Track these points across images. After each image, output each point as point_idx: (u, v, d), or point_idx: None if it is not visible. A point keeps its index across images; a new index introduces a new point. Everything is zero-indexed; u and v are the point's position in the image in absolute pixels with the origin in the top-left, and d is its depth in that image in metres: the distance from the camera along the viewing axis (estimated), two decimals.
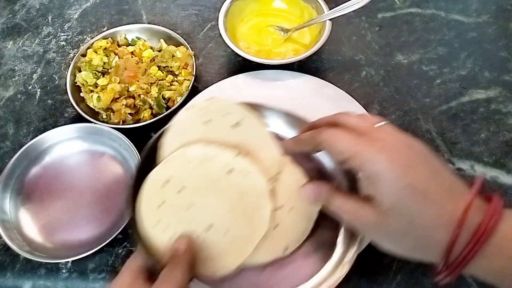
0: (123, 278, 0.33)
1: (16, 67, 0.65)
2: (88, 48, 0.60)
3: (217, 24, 0.59)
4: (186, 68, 0.59)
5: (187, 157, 0.37)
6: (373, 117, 0.33)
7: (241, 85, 0.58)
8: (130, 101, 0.56)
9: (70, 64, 0.59)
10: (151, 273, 0.34)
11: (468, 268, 0.28)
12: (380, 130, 0.31)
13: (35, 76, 0.64)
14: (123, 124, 0.55)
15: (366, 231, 0.32)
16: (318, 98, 0.56)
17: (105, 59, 0.59)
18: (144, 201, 0.37)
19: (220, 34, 0.58)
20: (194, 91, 0.58)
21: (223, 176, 0.37)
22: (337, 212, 0.33)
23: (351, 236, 0.39)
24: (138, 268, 0.34)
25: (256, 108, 0.39)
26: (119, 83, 0.56)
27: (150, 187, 0.37)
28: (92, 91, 0.57)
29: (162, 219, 0.36)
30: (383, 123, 0.32)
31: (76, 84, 0.58)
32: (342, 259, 0.39)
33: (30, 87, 0.62)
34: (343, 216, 0.33)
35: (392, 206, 0.29)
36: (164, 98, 0.57)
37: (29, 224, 0.49)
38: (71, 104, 0.55)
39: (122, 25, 0.63)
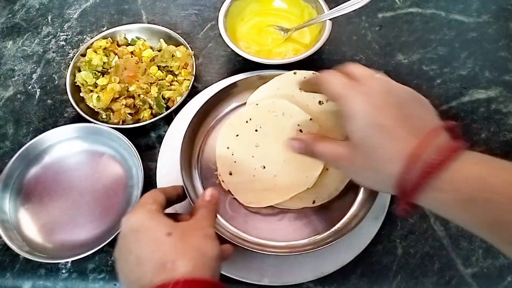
0: (142, 211, 0.35)
1: (15, 67, 0.65)
2: (88, 48, 0.60)
3: (217, 24, 0.59)
4: (186, 68, 0.59)
5: (273, 106, 0.46)
6: (378, 72, 0.36)
7: None
8: (130, 101, 0.56)
9: (70, 64, 0.59)
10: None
11: (420, 199, 0.30)
12: (373, 79, 0.34)
13: (34, 76, 0.64)
14: (123, 124, 0.55)
15: (341, 167, 0.36)
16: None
17: (105, 59, 0.58)
18: (226, 127, 0.48)
19: (220, 34, 0.58)
20: (194, 91, 0.57)
21: (292, 132, 0.45)
22: (321, 156, 0.37)
23: (366, 200, 0.46)
24: (157, 203, 0.37)
25: None
26: (118, 83, 0.56)
27: (236, 120, 0.48)
28: (91, 91, 0.57)
29: (231, 146, 0.47)
30: (381, 74, 0.36)
31: (76, 84, 0.58)
32: (356, 214, 0.45)
33: (29, 87, 0.62)
34: (325, 158, 0.38)
35: (360, 141, 0.32)
36: (164, 98, 0.57)
37: (29, 224, 0.49)
38: (71, 104, 0.55)
39: (122, 25, 0.63)
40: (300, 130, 0.45)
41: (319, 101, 0.46)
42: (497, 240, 0.28)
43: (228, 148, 0.48)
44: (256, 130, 0.47)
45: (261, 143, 0.47)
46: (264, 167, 0.46)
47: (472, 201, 0.28)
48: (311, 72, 0.47)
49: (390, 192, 0.32)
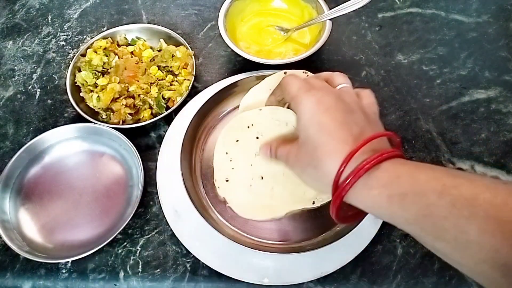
0: None
1: (15, 67, 0.65)
2: (88, 48, 0.60)
3: (217, 24, 0.59)
4: (186, 68, 0.59)
5: (276, 115, 0.43)
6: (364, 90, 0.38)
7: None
8: (130, 101, 0.56)
9: (70, 64, 0.59)
10: None
11: (352, 197, 0.32)
12: (339, 89, 0.37)
13: (34, 76, 0.64)
14: (123, 124, 0.55)
15: (290, 165, 0.37)
16: None
17: (105, 59, 0.59)
18: (227, 130, 0.45)
19: (220, 34, 0.58)
20: (194, 91, 0.58)
21: None
22: (279, 158, 0.39)
23: None
24: None
25: None
26: (119, 83, 0.56)
27: (237, 124, 0.45)
28: (92, 91, 0.57)
29: (230, 152, 0.44)
30: (344, 85, 0.38)
31: (76, 84, 0.58)
32: None
33: (30, 87, 0.62)
34: (282, 159, 0.38)
35: (305, 139, 0.34)
36: (164, 98, 0.57)
37: (29, 224, 0.49)
38: (71, 104, 0.55)
39: (122, 25, 0.63)
40: None
41: None
42: (421, 234, 0.29)
43: (226, 153, 0.45)
44: (257, 138, 0.44)
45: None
46: (262, 178, 0.44)
47: (402, 196, 0.29)
48: (301, 71, 0.47)
49: (328, 191, 0.33)
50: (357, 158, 0.31)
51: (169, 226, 0.48)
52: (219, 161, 0.46)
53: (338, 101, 0.34)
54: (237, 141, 0.45)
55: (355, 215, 0.36)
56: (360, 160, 0.31)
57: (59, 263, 0.48)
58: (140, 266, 0.47)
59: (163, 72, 0.59)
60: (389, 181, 0.30)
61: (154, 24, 0.65)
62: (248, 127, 0.45)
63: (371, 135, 0.32)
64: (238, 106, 0.50)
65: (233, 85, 0.52)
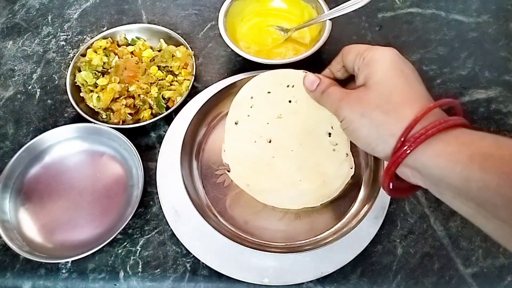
0: None
1: (15, 67, 0.65)
2: (88, 48, 0.60)
3: (217, 24, 0.59)
4: (186, 68, 0.59)
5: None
6: None
7: None
8: (130, 101, 0.56)
9: (70, 64, 0.59)
10: None
11: (417, 155, 0.29)
12: None
13: (34, 76, 0.64)
14: (123, 124, 0.55)
15: (345, 108, 0.34)
16: None
17: (105, 59, 0.59)
18: (264, 76, 0.43)
19: (220, 34, 0.58)
20: (194, 91, 0.57)
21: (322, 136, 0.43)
22: (328, 96, 0.37)
23: (366, 200, 0.45)
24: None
25: None
26: (119, 83, 0.56)
27: (277, 77, 0.43)
28: (92, 91, 0.57)
29: (256, 98, 0.43)
30: None
31: (76, 84, 0.58)
32: (356, 213, 0.45)
33: (30, 87, 0.62)
34: (331, 99, 0.37)
35: (378, 80, 0.33)
36: (164, 98, 0.57)
37: (29, 224, 0.49)
38: (71, 104, 0.55)
39: (122, 25, 0.63)
40: (329, 134, 0.44)
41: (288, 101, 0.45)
42: (496, 204, 0.25)
43: (252, 98, 0.43)
44: (290, 102, 0.43)
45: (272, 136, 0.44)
46: (270, 142, 0.43)
47: (486, 157, 0.26)
48: (301, 71, 0.46)
49: (382, 144, 0.32)
50: (436, 112, 0.30)
51: (169, 226, 0.48)
52: (239, 101, 0.44)
53: (408, 63, 0.35)
54: (268, 92, 0.43)
55: (407, 190, 0.34)
56: (440, 115, 0.30)
57: (59, 263, 0.48)
58: (140, 266, 0.47)
59: (163, 72, 0.59)
60: (470, 140, 0.28)
61: (154, 24, 0.65)
62: (288, 86, 0.42)
63: (446, 99, 0.32)
64: None
65: (233, 85, 0.52)
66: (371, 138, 0.33)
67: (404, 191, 0.35)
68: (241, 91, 0.45)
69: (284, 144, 0.43)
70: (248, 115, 0.43)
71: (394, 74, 0.32)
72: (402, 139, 0.30)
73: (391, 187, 0.32)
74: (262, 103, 0.43)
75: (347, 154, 0.43)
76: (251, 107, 0.43)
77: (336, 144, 0.42)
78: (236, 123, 0.44)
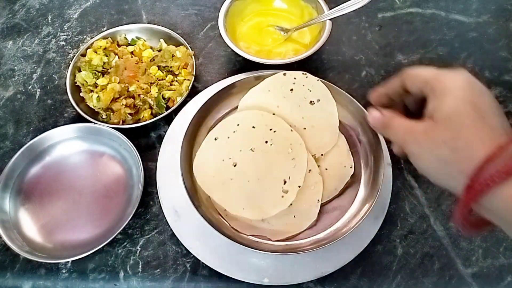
0: None
1: (15, 67, 0.65)
2: (88, 48, 0.60)
3: (217, 24, 0.59)
4: (186, 68, 0.59)
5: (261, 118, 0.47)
6: None
7: None
8: (130, 101, 0.56)
9: (70, 64, 0.59)
10: None
11: (489, 197, 0.28)
12: None
13: (35, 76, 0.64)
14: (123, 124, 0.55)
15: (412, 142, 0.33)
16: None
17: (105, 59, 0.59)
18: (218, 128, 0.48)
19: (220, 34, 0.58)
20: (194, 91, 0.57)
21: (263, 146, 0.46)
22: (394, 130, 0.35)
23: (366, 200, 0.46)
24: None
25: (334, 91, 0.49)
26: (119, 83, 0.56)
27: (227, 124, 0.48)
28: (92, 91, 0.57)
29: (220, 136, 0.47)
30: None
31: (76, 84, 0.58)
32: (356, 213, 0.45)
33: (30, 87, 0.62)
34: (397, 132, 0.35)
35: (448, 114, 0.30)
36: (164, 98, 0.57)
37: (29, 224, 0.49)
38: (71, 104, 0.55)
39: (122, 25, 0.63)
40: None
41: (311, 101, 0.48)
42: None
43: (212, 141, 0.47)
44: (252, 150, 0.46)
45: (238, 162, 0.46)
46: (235, 166, 0.45)
47: None
48: (300, 72, 0.48)
49: (452, 180, 0.30)
50: (509, 150, 0.28)
51: (169, 226, 0.48)
52: (228, 123, 0.48)
53: (483, 89, 0.32)
54: (253, 127, 0.47)
55: (479, 225, 0.31)
56: (507, 156, 0.27)
57: (59, 263, 0.48)
58: (140, 266, 0.47)
59: (163, 72, 0.59)
60: None
61: (154, 24, 0.65)
62: (271, 130, 0.47)
63: None
64: (237, 106, 0.50)
65: (233, 85, 0.52)
66: (440, 174, 0.32)
67: (476, 226, 0.32)
68: (233, 115, 0.49)
69: (245, 173, 0.45)
70: (228, 137, 0.47)
71: (465, 109, 0.30)
72: (471, 180, 0.29)
73: (468, 220, 0.30)
74: (244, 132, 0.47)
75: (291, 203, 0.44)
76: (234, 132, 0.47)
77: (287, 192, 0.44)
78: (215, 139, 0.47)
